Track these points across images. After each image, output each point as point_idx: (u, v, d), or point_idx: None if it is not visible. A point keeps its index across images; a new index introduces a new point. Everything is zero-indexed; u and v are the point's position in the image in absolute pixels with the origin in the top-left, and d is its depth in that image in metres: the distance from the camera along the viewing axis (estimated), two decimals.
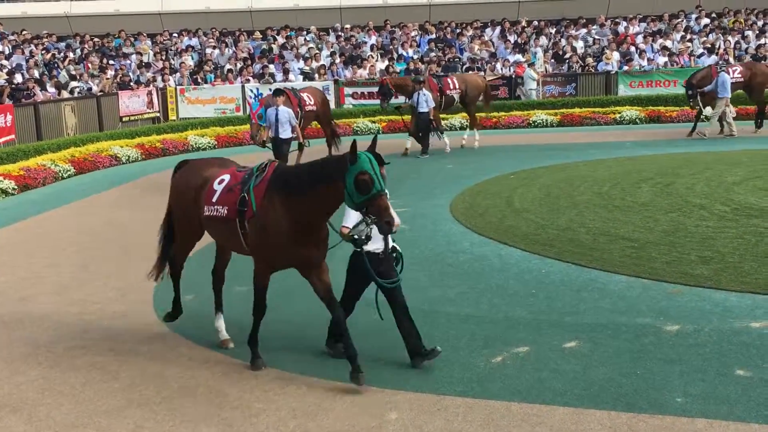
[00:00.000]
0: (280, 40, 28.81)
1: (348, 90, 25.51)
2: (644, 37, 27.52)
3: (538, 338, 6.97)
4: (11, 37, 27.80)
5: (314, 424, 5.56)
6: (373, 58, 26.79)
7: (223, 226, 6.55)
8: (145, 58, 27.15)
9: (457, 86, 19.61)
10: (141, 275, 9.41)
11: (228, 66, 26.36)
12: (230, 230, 6.47)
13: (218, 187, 6.62)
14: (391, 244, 6.33)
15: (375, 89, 21.58)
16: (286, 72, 25.72)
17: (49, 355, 7.06)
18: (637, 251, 9.53)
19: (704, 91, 19.90)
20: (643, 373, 6.17)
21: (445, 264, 9.45)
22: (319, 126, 18.35)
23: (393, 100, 19.95)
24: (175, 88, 25.17)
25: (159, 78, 25.61)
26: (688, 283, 8.30)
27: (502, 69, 26.02)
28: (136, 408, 5.92)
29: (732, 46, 26.70)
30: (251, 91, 24.46)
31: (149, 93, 24.54)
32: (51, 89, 22.80)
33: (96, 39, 28.54)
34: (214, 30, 29.55)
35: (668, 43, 27.05)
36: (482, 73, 25.71)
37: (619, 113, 23.47)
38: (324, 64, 26.45)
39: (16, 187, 15.60)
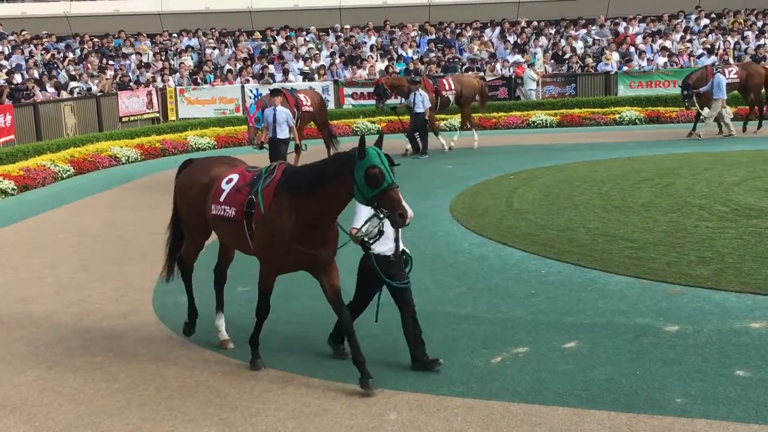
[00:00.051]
0: (280, 40, 28.83)
1: (348, 90, 25.52)
2: (644, 38, 27.53)
3: (538, 339, 6.97)
4: (11, 38, 27.81)
5: (313, 424, 5.56)
6: (372, 58, 26.79)
7: (230, 227, 6.49)
8: (144, 59, 27.15)
9: (452, 87, 19.62)
10: (140, 276, 9.45)
11: (228, 66, 26.36)
12: (237, 231, 6.41)
13: (226, 187, 6.55)
14: (401, 246, 6.31)
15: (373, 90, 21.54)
16: (285, 72, 25.72)
17: (49, 355, 7.05)
18: (637, 252, 9.53)
19: (700, 92, 19.92)
20: (643, 373, 6.17)
21: (444, 264, 9.45)
22: (315, 128, 18.36)
23: (391, 101, 19.94)
24: (175, 89, 25.18)
25: (158, 78, 25.61)
26: (687, 283, 8.30)
27: (501, 69, 26.02)
28: (136, 408, 5.92)
29: (731, 46, 26.71)
30: (251, 91, 24.46)
31: (149, 93, 24.54)
32: (50, 89, 22.80)
33: (95, 39, 28.55)
34: (213, 30, 29.57)
35: (668, 44, 27.06)
36: (482, 73, 25.75)
37: (619, 114, 23.48)
38: (324, 65, 26.46)
39: (15, 187, 15.60)
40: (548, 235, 10.53)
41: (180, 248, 7.45)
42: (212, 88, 25.26)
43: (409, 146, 18.59)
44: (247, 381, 6.33)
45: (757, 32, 27.82)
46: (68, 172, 17.44)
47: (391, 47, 28.21)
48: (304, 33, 29.21)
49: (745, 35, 27.63)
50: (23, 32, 28.33)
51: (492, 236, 10.65)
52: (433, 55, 27.20)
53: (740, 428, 5.31)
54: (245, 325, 7.13)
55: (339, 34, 29.21)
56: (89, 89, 23.69)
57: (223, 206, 6.49)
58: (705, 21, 29.06)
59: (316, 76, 25.85)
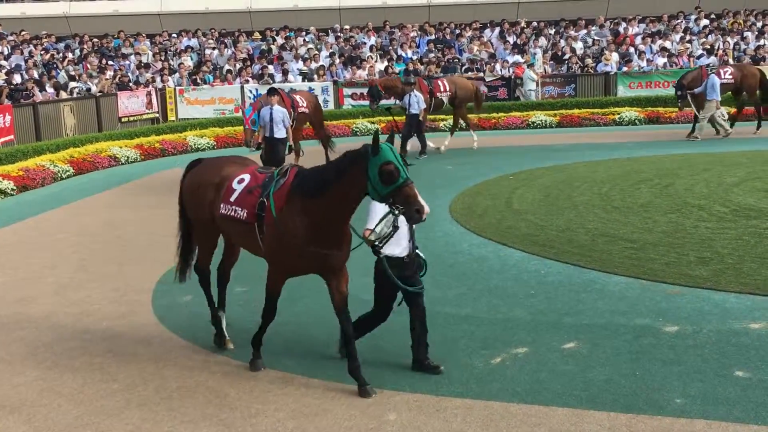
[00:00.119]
0: (280, 40, 28.84)
1: (347, 91, 25.52)
2: (643, 38, 27.54)
3: (537, 339, 6.97)
4: (10, 38, 27.80)
5: (313, 425, 5.56)
6: (372, 58, 26.81)
7: (241, 228, 6.41)
8: (144, 59, 27.16)
9: (447, 89, 19.60)
10: (140, 276, 9.45)
11: (227, 67, 26.36)
12: (248, 233, 6.33)
13: (237, 187, 6.47)
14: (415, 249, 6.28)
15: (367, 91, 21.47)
16: (285, 73, 25.73)
17: (48, 355, 7.05)
18: (636, 252, 9.54)
19: (694, 93, 19.92)
20: (642, 374, 6.17)
21: (444, 265, 9.45)
22: (311, 129, 18.31)
23: (386, 101, 19.91)
24: (174, 89, 25.17)
25: (158, 79, 25.61)
26: (687, 284, 8.30)
27: (501, 70, 26.02)
28: (135, 408, 5.92)
29: (731, 47, 26.72)
30: (250, 91, 24.46)
31: (148, 93, 24.54)
32: (50, 90, 22.80)
33: (95, 39, 28.56)
34: (213, 31, 29.57)
35: (667, 44, 27.08)
36: (481, 74, 25.77)
37: (619, 114, 23.48)
38: (323, 65, 26.47)
39: (15, 187, 15.60)
40: (548, 236, 10.53)
41: (192, 249, 7.35)
42: (212, 88, 25.26)
43: (409, 147, 18.54)
44: (246, 381, 6.33)
45: (756, 33, 27.82)
46: (68, 173, 17.44)
47: (390, 48, 28.22)
48: (304, 33, 29.23)
49: (744, 36, 27.64)
50: (23, 32, 28.34)
51: (491, 237, 10.65)
52: (432, 55, 27.22)
53: (740, 429, 5.31)
54: (245, 326, 7.13)
55: (338, 34, 29.22)
56: (89, 89, 23.68)
57: (233, 207, 6.41)
58: (705, 21, 29.08)
59: (315, 76, 25.86)
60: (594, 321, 7.38)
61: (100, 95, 23.22)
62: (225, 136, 22.13)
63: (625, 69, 25.68)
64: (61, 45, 28.26)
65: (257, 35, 29.45)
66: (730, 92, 21.00)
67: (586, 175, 15.05)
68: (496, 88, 25.54)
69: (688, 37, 27.73)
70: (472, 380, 6.16)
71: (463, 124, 20.19)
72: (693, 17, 29.55)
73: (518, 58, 26.44)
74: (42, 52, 26.68)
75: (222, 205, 6.50)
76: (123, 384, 6.37)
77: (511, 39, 28.09)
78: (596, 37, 28.04)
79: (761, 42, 26.98)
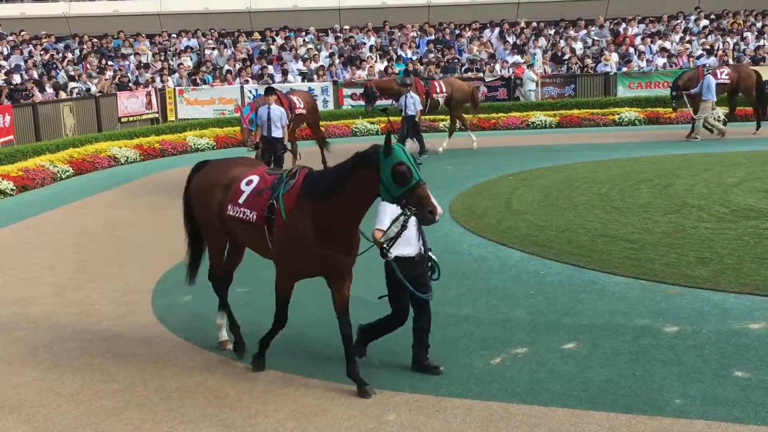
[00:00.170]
0: (279, 40, 28.83)
1: (347, 91, 25.51)
2: (643, 39, 27.54)
3: (537, 339, 6.97)
4: (10, 38, 27.80)
5: (313, 425, 5.56)
6: (372, 59, 26.80)
7: (250, 230, 6.34)
8: (143, 59, 27.15)
9: (443, 90, 19.55)
10: (140, 276, 9.45)
11: (227, 67, 26.36)
12: (257, 234, 6.28)
13: (246, 189, 6.40)
14: (428, 252, 6.23)
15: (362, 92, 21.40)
16: (284, 73, 25.73)
17: (48, 356, 7.05)
18: (636, 252, 9.54)
19: (691, 94, 19.92)
20: (642, 374, 6.17)
21: (443, 265, 9.41)
22: (307, 129, 18.26)
23: (382, 102, 19.88)
24: (174, 89, 25.17)
25: (158, 79, 25.60)
26: (686, 284, 8.30)
27: (500, 70, 26.03)
28: (135, 409, 5.92)
29: (731, 47, 26.72)
30: (250, 92, 24.45)
31: (148, 94, 24.54)
32: (49, 90, 22.79)
33: (95, 40, 28.54)
34: (212, 31, 29.56)
35: (667, 45, 27.08)
36: (481, 74, 25.77)
37: (618, 114, 23.48)
38: (323, 65, 26.47)
39: (14, 188, 15.59)
40: (547, 236, 10.53)
41: (201, 250, 7.28)
42: (211, 88, 25.25)
43: (408, 146, 18.50)
44: (246, 382, 6.33)
45: (756, 33, 27.83)
46: (67, 173, 17.43)
47: (390, 48, 28.23)
48: (304, 33, 29.23)
49: (744, 36, 27.64)
50: (22, 33, 28.33)
51: (491, 237, 10.65)
52: (432, 55, 27.22)
53: (739, 429, 5.31)
54: (244, 326, 7.13)
55: (338, 34, 29.22)
56: (88, 90, 23.68)
57: (242, 209, 6.35)
58: (704, 22, 29.09)
59: (315, 76, 25.86)
60: (594, 321, 7.38)
61: (99, 95, 23.21)
62: (225, 137, 22.11)
63: (624, 69, 25.69)
64: (61, 45, 28.26)
65: (257, 35, 29.45)
66: (725, 93, 21.02)
67: (586, 175, 15.05)
68: (496, 89, 25.54)
69: (687, 38, 27.73)
70: (472, 380, 6.16)
71: (459, 126, 20.17)
72: (693, 17, 29.56)
73: (518, 58, 26.45)
74: (42, 53, 26.68)
75: (230, 207, 6.45)
76: (122, 384, 6.37)
77: (510, 39, 28.09)
78: (596, 38, 28.04)
79: (761, 42, 26.99)
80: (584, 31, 28.76)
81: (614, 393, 5.86)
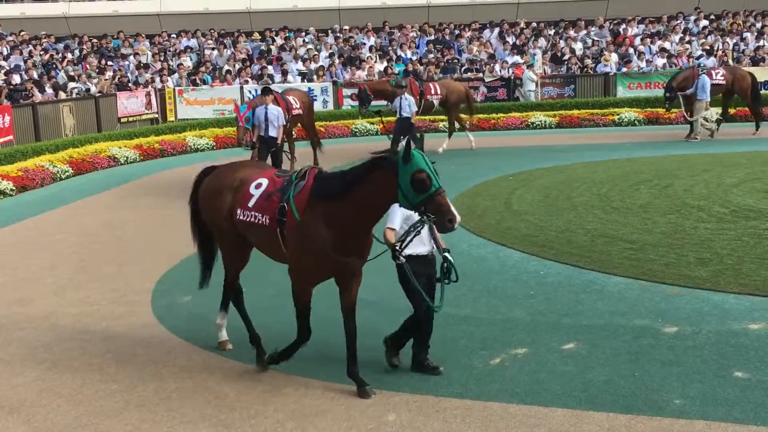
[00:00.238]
0: (279, 41, 28.84)
1: (346, 91, 25.50)
2: (642, 39, 27.54)
3: (537, 340, 6.97)
4: (9, 38, 27.80)
5: (312, 425, 5.56)
6: (371, 59, 26.80)
7: (262, 233, 6.24)
8: (143, 59, 27.14)
9: (438, 92, 19.50)
10: (139, 276, 9.45)
11: (226, 67, 26.36)
12: (269, 238, 6.19)
13: (255, 192, 6.31)
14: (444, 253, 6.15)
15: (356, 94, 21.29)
16: (284, 73, 25.73)
17: (47, 356, 7.05)
18: (636, 253, 9.54)
19: (687, 94, 19.92)
20: (642, 374, 6.17)
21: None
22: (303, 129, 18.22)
23: (378, 104, 19.86)
24: (174, 89, 25.17)
25: (157, 79, 25.60)
26: (686, 284, 8.30)
27: (500, 70, 26.03)
28: (135, 409, 5.92)
29: (730, 48, 26.73)
30: (249, 92, 24.45)
31: (147, 94, 24.54)
32: (49, 90, 22.79)
33: (94, 40, 28.54)
34: (212, 31, 29.56)
35: (667, 45, 27.08)
36: (481, 74, 25.77)
37: (618, 115, 23.49)
38: (323, 65, 26.47)
39: (14, 188, 15.59)
40: (547, 237, 10.53)
41: (211, 253, 7.18)
42: (211, 88, 25.25)
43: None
44: (245, 382, 6.33)
45: (756, 34, 27.83)
46: (67, 173, 17.42)
47: (390, 48, 28.23)
48: (303, 34, 29.23)
49: (744, 37, 27.64)
50: (22, 33, 28.33)
51: (491, 237, 10.65)
52: (432, 56, 27.22)
53: (739, 429, 5.31)
54: (242, 327, 7.12)
55: (338, 35, 29.23)
56: (88, 90, 23.68)
57: (252, 212, 6.25)
58: (704, 22, 29.09)
59: (315, 76, 25.86)
60: (593, 322, 7.38)
61: (99, 96, 23.21)
62: (224, 137, 22.10)
63: (624, 70, 25.69)
64: (61, 45, 28.26)
65: (257, 36, 29.45)
66: (720, 94, 21.02)
67: (586, 175, 15.05)
68: (496, 89, 25.54)
69: (687, 38, 27.74)
70: (472, 381, 6.16)
71: (458, 126, 20.16)
72: (692, 18, 29.56)
73: (518, 58, 26.45)
74: (41, 53, 26.68)
75: (239, 211, 6.35)
76: (122, 384, 6.37)
77: (510, 40, 28.10)
78: (596, 38, 28.05)
79: (761, 43, 26.99)
80: (584, 32, 28.77)
81: (614, 393, 5.86)
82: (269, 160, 13.88)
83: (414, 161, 5.43)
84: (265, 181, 6.35)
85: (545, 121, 23.41)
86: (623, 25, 29.19)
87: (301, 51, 27.73)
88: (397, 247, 5.93)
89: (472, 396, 5.91)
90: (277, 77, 25.56)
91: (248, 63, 26.84)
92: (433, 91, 19.46)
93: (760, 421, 5.38)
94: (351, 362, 6.06)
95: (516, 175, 15.51)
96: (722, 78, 20.57)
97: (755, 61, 25.54)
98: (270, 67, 26.34)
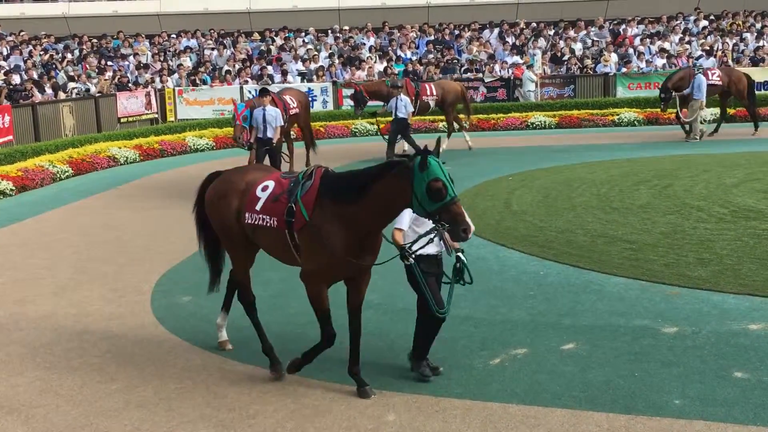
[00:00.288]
0: (279, 41, 28.83)
1: (346, 91, 25.47)
2: (642, 39, 27.54)
3: (536, 340, 6.97)
4: (9, 38, 27.80)
5: (312, 425, 5.56)
6: (371, 59, 26.80)
7: (271, 236, 6.16)
8: (143, 59, 27.14)
9: (434, 92, 19.41)
10: (139, 277, 9.45)
11: (226, 67, 26.36)
12: (278, 240, 6.11)
13: (262, 195, 6.25)
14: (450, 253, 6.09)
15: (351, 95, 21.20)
16: (284, 73, 25.72)
17: (47, 356, 7.05)
18: (635, 253, 9.54)
19: (684, 94, 19.92)
20: (641, 375, 6.17)
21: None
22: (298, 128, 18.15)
23: (374, 105, 19.82)
24: (174, 90, 25.17)
25: (157, 79, 25.60)
26: (686, 285, 8.30)
27: (500, 71, 26.03)
28: (134, 409, 5.92)
29: (730, 48, 26.74)
30: (249, 92, 24.44)
31: (147, 94, 24.54)
32: (49, 90, 22.78)
33: (94, 40, 28.53)
34: (212, 31, 29.56)
35: (666, 45, 27.09)
36: (480, 74, 25.77)
37: (618, 115, 23.48)
38: (322, 66, 26.47)
39: (13, 188, 15.58)
40: (547, 237, 10.53)
41: (219, 256, 7.10)
42: (211, 89, 25.25)
43: (406, 148, 18.41)
44: (245, 382, 6.33)
45: (755, 34, 27.84)
46: (66, 173, 17.42)
47: (389, 48, 28.22)
48: (303, 34, 29.23)
49: (743, 37, 27.65)
50: (22, 33, 28.33)
51: (490, 238, 10.65)
52: (431, 56, 27.22)
53: (738, 430, 5.31)
54: (243, 327, 7.13)
55: (338, 35, 29.23)
56: (88, 90, 23.68)
57: (260, 215, 6.19)
58: (704, 23, 29.09)
59: (314, 77, 25.86)
60: (593, 322, 7.38)
61: (99, 96, 23.21)
62: (224, 137, 22.07)
63: (624, 70, 25.69)
64: (61, 45, 28.25)
65: (256, 36, 29.44)
66: (716, 95, 21.03)
67: (585, 176, 15.05)
68: (496, 89, 25.53)
69: (687, 38, 27.74)
70: (471, 381, 6.16)
71: (456, 126, 20.14)
72: (692, 18, 29.56)
73: (517, 59, 26.45)
74: (41, 53, 26.67)
75: (247, 214, 6.28)
76: (122, 384, 6.37)
77: (510, 40, 28.10)
78: (595, 38, 28.05)
79: (761, 43, 26.99)
80: (584, 32, 28.76)
81: (613, 394, 5.86)
82: (267, 162, 13.85)
83: (430, 169, 5.39)
84: (271, 183, 6.29)
85: (545, 122, 23.41)
86: (623, 26, 29.20)
87: (301, 51, 27.73)
88: (407, 250, 5.88)
89: (471, 396, 5.91)
90: (277, 77, 25.56)
91: (248, 63, 26.84)
92: (428, 92, 19.40)
93: (759, 422, 5.38)
94: (353, 361, 6.05)
95: (516, 175, 15.51)
96: (718, 79, 20.57)
97: (755, 62, 25.54)
98: (270, 68, 26.34)
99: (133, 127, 23.18)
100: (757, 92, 21.75)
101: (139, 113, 24.13)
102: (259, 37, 29.29)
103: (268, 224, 6.14)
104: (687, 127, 20.16)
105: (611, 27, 29.27)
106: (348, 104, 25.08)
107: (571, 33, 28.64)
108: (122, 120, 23.44)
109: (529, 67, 25.84)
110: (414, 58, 27.01)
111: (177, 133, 22.18)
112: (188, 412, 5.83)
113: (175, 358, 6.88)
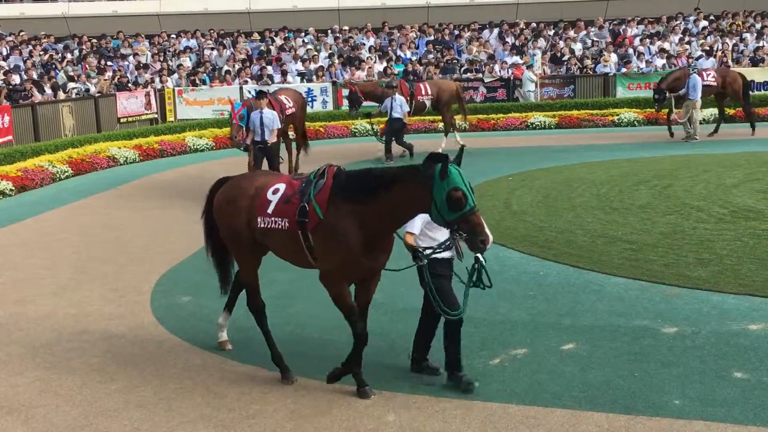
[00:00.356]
0: (279, 41, 28.83)
1: (346, 92, 25.43)
2: (642, 39, 27.55)
3: (536, 340, 6.97)
4: (9, 38, 27.80)
5: (312, 426, 5.55)
6: (371, 59, 26.80)
7: (284, 239, 6.09)
8: (143, 60, 27.14)
9: (429, 92, 19.37)
10: (139, 277, 9.45)
11: (226, 67, 26.36)
12: (291, 242, 6.03)
13: (273, 197, 6.15)
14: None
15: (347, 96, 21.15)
16: (284, 73, 25.72)
17: (47, 356, 7.05)
18: (635, 253, 9.54)
19: (680, 95, 19.92)
20: (641, 375, 6.18)
21: None
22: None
23: (368, 105, 19.82)
24: (173, 90, 25.16)
25: (157, 79, 25.60)
26: (686, 285, 8.30)
27: (500, 71, 26.04)
28: (134, 409, 5.91)
29: (730, 48, 26.74)
30: (249, 92, 24.43)
31: (147, 94, 24.53)
32: (48, 90, 22.78)
33: (94, 40, 28.53)
34: (212, 31, 29.56)
35: (666, 45, 27.09)
36: (480, 74, 25.78)
37: (618, 115, 23.48)
38: (322, 66, 26.46)
39: (13, 188, 15.58)
40: (547, 237, 10.53)
41: (227, 261, 7.03)
42: (210, 89, 25.24)
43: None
44: (245, 382, 6.33)
45: (755, 34, 27.84)
46: (66, 173, 17.41)
47: (389, 48, 28.23)
48: (303, 34, 29.23)
49: (743, 37, 27.65)
50: (21, 33, 28.33)
51: None
52: (431, 56, 27.22)
53: (738, 430, 5.31)
54: (243, 327, 7.13)
55: (337, 35, 29.23)
56: (87, 90, 23.67)
57: (272, 218, 6.12)
58: (704, 23, 29.09)
59: (314, 77, 25.86)
60: (593, 322, 7.38)
61: (98, 96, 23.21)
62: (224, 137, 22.02)
63: (624, 70, 25.70)
64: (60, 46, 28.24)
65: (256, 36, 29.44)
66: (712, 95, 21.03)
67: (585, 176, 15.05)
68: (495, 89, 25.54)
69: (687, 39, 27.74)
70: (471, 381, 6.15)
71: (461, 125, 20.12)
72: (692, 18, 29.56)
73: (517, 59, 26.45)
74: (41, 53, 26.67)
75: (259, 219, 6.21)
76: (122, 385, 6.36)
77: (510, 40, 28.10)
78: (595, 38, 28.05)
79: (760, 43, 26.99)
80: (583, 32, 28.76)
81: (613, 394, 5.87)
82: (265, 165, 13.83)
83: (451, 178, 5.35)
84: (282, 186, 6.23)
85: (545, 122, 23.41)
86: (623, 26, 29.20)
87: (301, 51, 27.73)
88: (420, 252, 5.87)
89: (471, 396, 5.91)
90: (277, 77, 25.56)
91: (248, 63, 26.84)
92: (423, 92, 19.34)
93: (759, 422, 5.38)
94: (355, 361, 6.04)
95: (516, 175, 15.51)
96: (713, 80, 20.57)
97: (755, 62, 25.55)
98: (269, 68, 26.33)
99: (132, 127, 23.17)
100: (757, 92, 21.75)
101: (138, 113, 24.12)
102: (259, 37, 29.29)
103: (280, 226, 6.08)
104: (671, 129, 20.19)
105: (611, 27, 29.27)
106: (348, 104, 25.09)
107: (571, 33, 28.64)
108: (122, 120, 23.44)
109: (529, 67, 25.84)
110: (414, 58, 27.01)
111: (177, 134, 22.16)
112: (188, 412, 5.83)
113: (175, 358, 6.88)
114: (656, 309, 7.67)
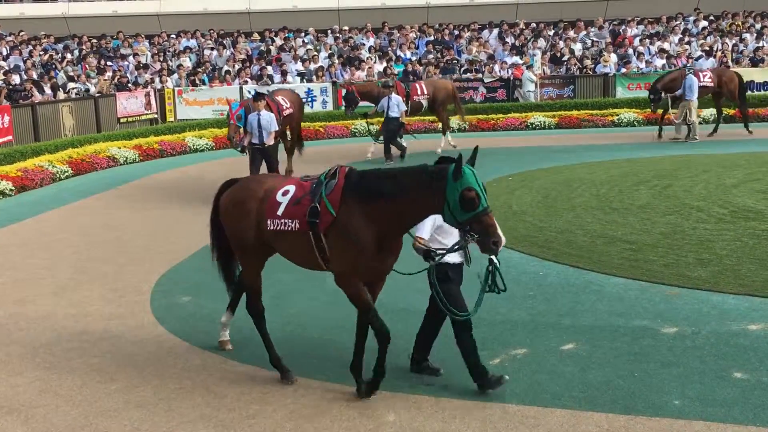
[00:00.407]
0: (278, 41, 28.82)
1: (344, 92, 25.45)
2: (641, 40, 27.54)
3: (536, 340, 6.97)
4: (9, 38, 27.79)
5: (311, 426, 5.56)
6: (371, 59, 26.80)
7: (294, 240, 6.05)
8: (142, 60, 27.13)
9: (425, 91, 19.35)
10: (139, 277, 9.45)
11: (226, 67, 26.35)
12: (301, 244, 6.00)
13: (283, 199, 6.12)
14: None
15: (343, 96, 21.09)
16: (284, 74, 25.71)
17: (47, 356, 7.05)
18: (635, 253, 9.54)
19: (677, 95, 19.91)
20: (641, 375, 6.18)
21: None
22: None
23: (364, 106, 19.80)
24: (173, 90, 25.16)
25: (157, 79, 25.60)
26: (685, 285, 8.31)
27: (500, 71, 26.03)
28: (134, 409, 5.92)
29: (730, 48, 26.74)
30: (249, 92, 24.42)
31: (147, 94, 24.52)
32: (48, 91, 22.78)
33: (94, 40, 28.51)
34: (212, 31, 29.55)
35: (666, 46, 27.09)
36: (480, 75, 25.78)
37: (617, 115, 23.48)
38: (322, 66, 26.46)
39: (13, 188, 15.57)
40: (546, 237, 10.53)
41: (232, 264, 6.98)
42: (210, 89, 25.24)
43: (407, 146, 18.36)
44: (245, 382, 6.33)
45: (755, 34, 27.84)
46: (66, 173, 17.41)
47: (389, 49, 28.23)
48: (303, 34, 29.22)
49: (743, 37, 27.66)
50: (21, 33, 28.32)
51: None
52: (431, 56, 27.22)
53: (738, 430, 5.32)
54: (243, 327, 7.13)
55: (337, 35, 29.22)
56: (87, 90, 23.67)
57: (282, 220, 6.08)
58: (703, 23, 29.09)
59: (314, 77, 25.86)
60: (593, 322, 7.38)
61: (98, 96, 23.20)
62: (224, 137, 21.99)
63: (623, 70, 25.70)
64: (60, 46, 28.22)
65: (256, 36, 29.43)
66: (708, 95, 21.03)
67: (585, 176, 15.06)
68: (495, 90, 25.53)
69: (686, 39, 27.74)
70: (471, 381, 6.15)
71: (462, 123, 20.10)
72: (692, 19, 29.56)
73: (517, 59, 26.44)
74: (41, 53, 26.65)
75: (269, 221, 6.17)
76: (121, 385, 6.37)
77: (509, 40, 28.10)
78: (595, 39, 28.05)
79: (760, 44, 26.99)
80: (583, 32, 28.76)
81: (613, 394, 5.87)
82: (264, 167, 13.80)
83: (464, 178, 5.35)
84: (292, 188, 6.20)
85: (544, 122, 23.40)
86: (623, 26, 29.20)
87: (301, 51, 27.73)
88: (433, 250, 5.85)
89: (471, 396, 5.92)
90: (277, 78, 25.55)
91: (248, 63, 26.83)
92: (419, 92, 19.33)
93: (759, 422, 5.39)
94: (357, 360, 6.04)
95: (515, 175, 15.51)
96: (710, 80, 20.57)
97: (754, 62, 25.55)
98: (269, 68, 26.32)
99: (132, 127, 23.16)
100: (757, 93, 21.74)
101: (138, 113, 24.11)
102: (259, 38, 29.27)
103: (290, 228, 6.04)
104: (662, 130, 20.20)
105: (611, 27, 29.26)
106: (344, 104, 25.07)
107: (571, 33, 28.63)
108: (122, 120, 23.43)
109: (529, 67, 25.84)
110: (414, 58, 27.01)
111: (176, 134, 22.15)
112: (188, 412, 5.83)
113: (175, 358, 6.88)
114: (656, 309, 7.67)
